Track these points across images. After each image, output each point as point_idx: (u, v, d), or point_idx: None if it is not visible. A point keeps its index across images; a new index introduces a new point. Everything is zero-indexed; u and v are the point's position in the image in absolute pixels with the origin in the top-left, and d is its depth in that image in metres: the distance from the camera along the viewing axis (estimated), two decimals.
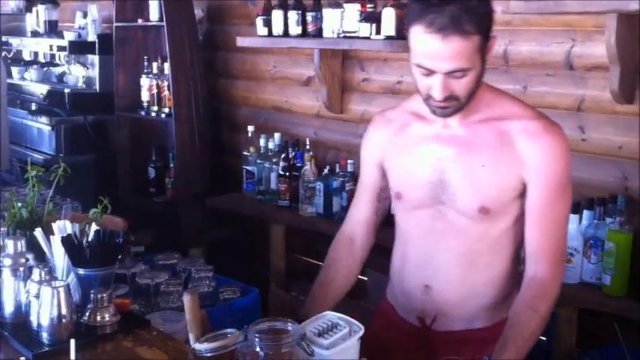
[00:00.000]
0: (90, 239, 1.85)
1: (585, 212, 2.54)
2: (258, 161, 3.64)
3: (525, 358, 1.65)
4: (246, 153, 3.74)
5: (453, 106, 1.64)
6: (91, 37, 4.79)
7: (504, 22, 2.87)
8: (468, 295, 1.80)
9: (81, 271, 1.84)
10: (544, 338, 2.60)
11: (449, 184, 1.74)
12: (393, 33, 3.08)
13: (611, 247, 2.41)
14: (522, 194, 1.71)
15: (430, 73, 1.59)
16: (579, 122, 2.74)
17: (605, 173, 2.68)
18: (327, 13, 3.26)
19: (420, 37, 1.56)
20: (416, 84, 1.67)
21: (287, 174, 3.47)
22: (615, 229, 2.42)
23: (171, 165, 4.24)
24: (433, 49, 1.55)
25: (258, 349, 1.46)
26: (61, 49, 4.85)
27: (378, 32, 3.10)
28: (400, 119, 1.85)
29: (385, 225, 2.03)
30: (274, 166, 3.55)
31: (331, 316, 1.60)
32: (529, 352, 1.65)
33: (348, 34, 3.19)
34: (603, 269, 2.45)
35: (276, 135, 3.66)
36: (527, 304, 1.68)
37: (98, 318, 1.77)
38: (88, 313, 1.78)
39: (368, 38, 3.11)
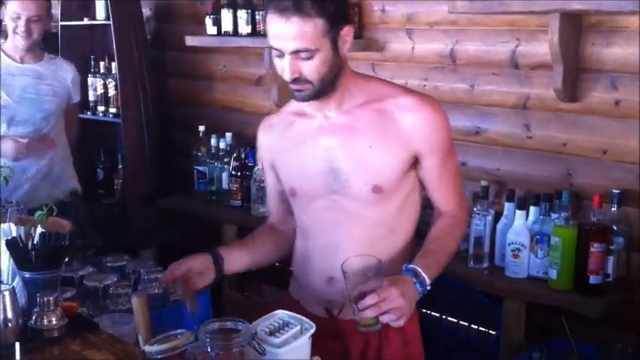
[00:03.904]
0: (35, 242, 1.82)
1: (532, 208, 2.60)
2: (210, 161, 3.62)
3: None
4: (197, 153, 3.72)
5: (307, 89, 1.71)
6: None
7: (450, 21, 2.91)
8: None
9: (26, 275, 1.81)
10: (493, 332, 2.65)
11: (340, 171, 1.80)
12: None
13: (556, 242, 2.47)
14: (411, 167, 1.80)
15: (281, 54, 1.68)
16: (525, 120, 2.79)
17: (550, 170, 2.74)
18: None
19: (270, 20, 1.66)
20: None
21: (239, 174, 3.46)
22: (560, 225, 2.48)
23: (120, 166, 4.18)
24: (278, 30, 1.65)
25: (208, 350, 1.46)
26: None
27: None
28: (283, 121, 1.93)
29: None
30: (226, 166, 3.54)
31: (282, 314, 1.61)
32: (443, 269, 1.78)
33: None
34: (549, 264, 2.50)
35: (227, 135, 3.64)
36: (443, 229, 1.85)
37: (45, 321, 1.74)
38: (34, 317, 1.74)
39: None
